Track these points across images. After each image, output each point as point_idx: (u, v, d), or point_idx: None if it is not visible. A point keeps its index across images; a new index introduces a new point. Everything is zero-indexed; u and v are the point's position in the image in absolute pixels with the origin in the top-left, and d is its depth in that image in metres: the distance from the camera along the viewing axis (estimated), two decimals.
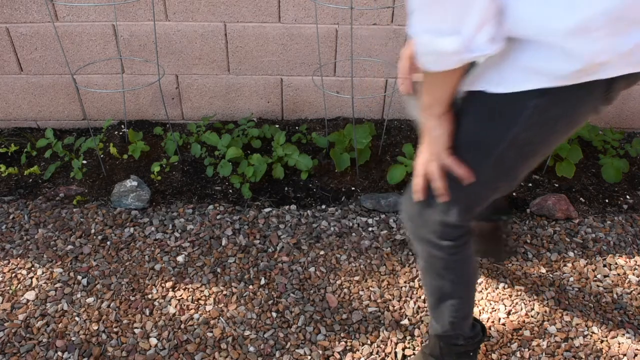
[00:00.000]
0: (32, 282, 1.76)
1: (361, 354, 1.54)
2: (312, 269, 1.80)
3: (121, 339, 1.58)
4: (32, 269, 1.80)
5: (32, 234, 1.94)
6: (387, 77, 2.41)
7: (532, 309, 1.67)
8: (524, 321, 1.64)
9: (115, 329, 1.61)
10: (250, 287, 1.74)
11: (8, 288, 1.74)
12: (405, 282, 1.76)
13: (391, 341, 1.57)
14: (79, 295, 1.71)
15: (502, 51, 0.82)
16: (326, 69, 2.39)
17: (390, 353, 1.54)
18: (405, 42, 2.28)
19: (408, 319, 1.64)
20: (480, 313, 1.66)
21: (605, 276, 1.79)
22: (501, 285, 1.74)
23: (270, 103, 2.50)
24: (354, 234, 1.94)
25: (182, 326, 1.62)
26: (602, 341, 1.58)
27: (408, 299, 1.70)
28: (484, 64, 0.89)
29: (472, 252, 1.19)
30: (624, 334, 1.60)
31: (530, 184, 2.16)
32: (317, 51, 2.33)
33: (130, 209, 2.05)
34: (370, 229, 1.96)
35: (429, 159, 1.01)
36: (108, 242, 1.91)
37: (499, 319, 1.64)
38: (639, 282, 1.77)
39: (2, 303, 1.69)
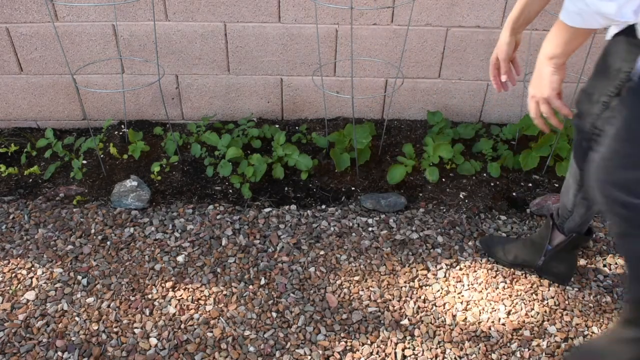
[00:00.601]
0: (32, 282, 1.76)
1: (361, 354, 1.54)
2: (312, 269, 1.80)
3: (121, 339, 1.58)
4: (32, 269, 1.80)
5: (32, 234, 1.94)
6: (387, 77, 2.41)
7: (532, 309, 1.67)
8: (524, 321, 1.64)
9: (115, 329, 1.61)
10: (250, 287, 1.74)
11: (8, 288, 1.74)
12: (405, 282, 1.76)
13: (391, 341, 1.58)
14: (79, 295, 1.71)
15: None
16: (326, 69, 2.39)
17: (390, 353, 1.54)
18: (405, 41, 2.29)
19: (408, 319, 1.64)
20: (480, 313, 1.66)
21: (605, 276, 1.79)
22: (501, 285, 1.74)
23: (270, 103, 2.50)
24: (354, 234, 1.94)
25: (182, 326, 1.62)
26: None
27: (408, 299, 1.70)
28: None
29: None
30: None
31: (530, 184, 2.16)
32: (317, 51, 2.33)
33: (130, 209, 2.05)
34: (370, 229, 1.96)
35: (541, 102, 1.20)
36: (108, 242, 1.91)
37: (499, 319, 1.64)
38: None
39: (2, 303, 1.69)
